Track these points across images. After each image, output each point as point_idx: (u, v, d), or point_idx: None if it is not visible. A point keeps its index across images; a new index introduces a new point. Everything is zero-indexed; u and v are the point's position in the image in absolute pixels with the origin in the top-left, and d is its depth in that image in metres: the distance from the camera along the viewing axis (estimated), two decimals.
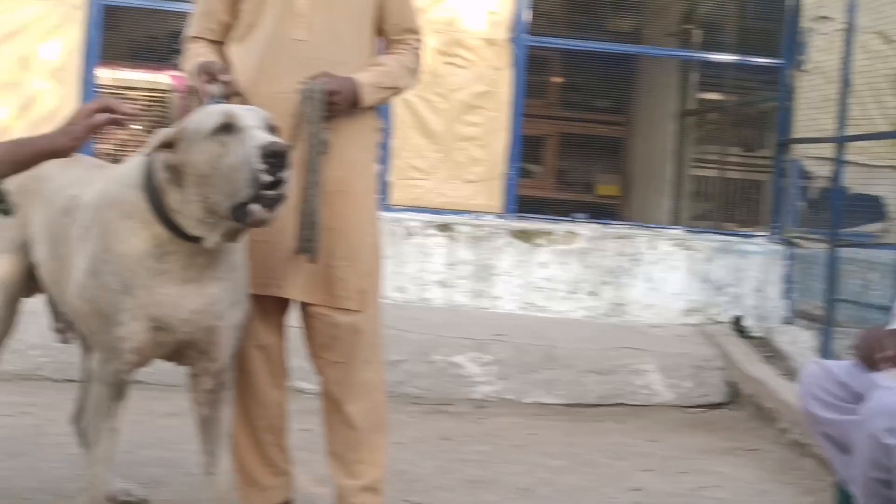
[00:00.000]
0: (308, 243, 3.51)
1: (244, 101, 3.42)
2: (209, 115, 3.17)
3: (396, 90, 3.71)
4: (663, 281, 8.14)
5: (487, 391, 6.66)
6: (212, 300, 3.28)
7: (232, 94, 3.47)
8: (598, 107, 11.41)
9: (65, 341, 4.12)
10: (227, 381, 3.49)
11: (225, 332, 3.37)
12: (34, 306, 6.43)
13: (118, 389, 3.39)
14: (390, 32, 3.76)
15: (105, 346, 3.32)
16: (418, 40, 3.79)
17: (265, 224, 3.10)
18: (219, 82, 3.45)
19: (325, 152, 3.52)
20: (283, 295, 3.65)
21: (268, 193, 3.01)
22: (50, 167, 3.16)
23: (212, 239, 3.17)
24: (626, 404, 6.76)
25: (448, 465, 5.10)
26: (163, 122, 9.21)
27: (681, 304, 8.14)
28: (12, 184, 3.82)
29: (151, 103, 9.37)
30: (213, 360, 3.41)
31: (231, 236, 3.19)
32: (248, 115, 3.15)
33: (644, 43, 10.73)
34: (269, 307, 3.67)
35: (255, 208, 3.03)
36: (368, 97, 3.59)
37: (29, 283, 3.91)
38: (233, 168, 3.05)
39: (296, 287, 3.62)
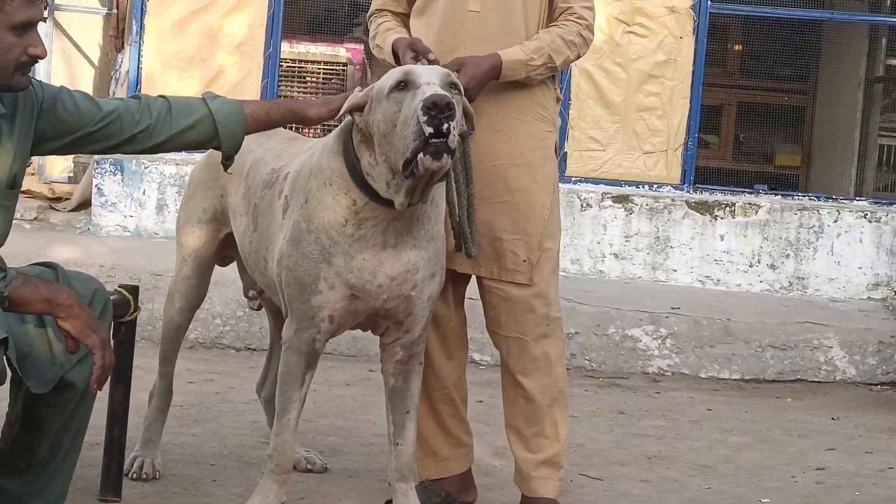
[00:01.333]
0: (460, 240, 3.47)
1: (465, 71, 3.45)
2: (391, 74, 3.22)
3: (551, 66, 3.59)
4: (847, 254, 7.91)
5: (663, 365, 6.58)
6: (408, 267, 3.31)
7: (451, 68, 3.46)
8: (780, 75, 11.12)
9: (257, 308, 4.21)
10: (419, 353, 3.52)
11: (420, 303, 3.40)
12: (217, 276, 6.61)
13: (310, 358, 3.44)
14: (558, 1, 3.69)
15: (302, 314, 3.37)
16: (587, 8, 3.67)
17: (436, 176, 3.11)
18: (424, 60, 3.46)
19: (469, 135, 3.44)
20: (452, 267, 3.65)
21: (434, 142, 3.03)
22: (246, 141, 3.26)
23: (398, 200, 3.20)
24: (807, 381, 6.60)
25: (624, 439, 5.05)
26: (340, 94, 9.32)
27: (866, 278, 7.91)
28: (209, 157, 3.94)
29: (329, 76, 9.49)
30: (407, 331, 3.44)
31: (413, 195, 3.19)
32: (425, 73, 3.18)
33: (831, 7, 10.40)
34: (446, 280, 3.68)
35: (421, 157, 3.04)
36: (512, 74, 3.54)
37: (219, 252, 4.01)
38: (404, 124, 3.10)
39: (466, 260, 3.62)
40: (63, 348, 2.84)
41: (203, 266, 4.02)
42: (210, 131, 3.17)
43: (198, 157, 7.83)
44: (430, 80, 3.13)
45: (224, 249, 4.02)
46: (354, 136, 3.28)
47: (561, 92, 3.81)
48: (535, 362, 3.65)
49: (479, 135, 3.51)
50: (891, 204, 8.34)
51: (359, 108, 3.26)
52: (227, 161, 3.24)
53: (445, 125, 3.02)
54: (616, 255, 7.86)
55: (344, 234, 3.28)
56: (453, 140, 3.06)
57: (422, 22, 3.68)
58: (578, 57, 3.68)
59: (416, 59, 3.45)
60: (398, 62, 3.52)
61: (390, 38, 3.64)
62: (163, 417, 4.08)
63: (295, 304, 3.39)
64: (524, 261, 3.62)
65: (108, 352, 2.76)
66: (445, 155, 3.05)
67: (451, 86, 3.19)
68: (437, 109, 3.01)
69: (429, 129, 3.01)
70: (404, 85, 3.15)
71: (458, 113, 3.14)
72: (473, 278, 3.73)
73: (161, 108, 3.14)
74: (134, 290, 3.56)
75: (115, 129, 3.09)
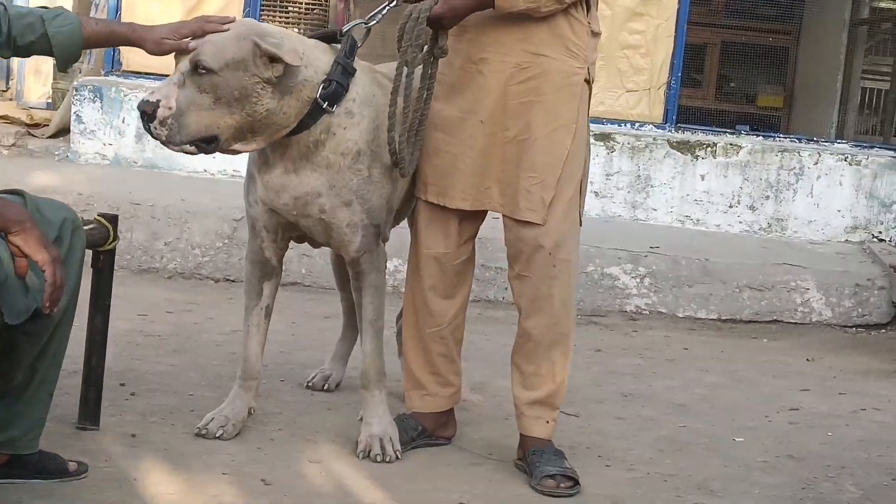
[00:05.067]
0: (393, 157, 3.57)
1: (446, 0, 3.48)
2: None
3: None
4: (827, 196, 7.94)
5: (641, 304, 6.61)
6: (308, 190, 3.57)
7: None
8: (765, 15, 11.07)
9: None
10: (365, 273, 3.67)
11: (338, 228, 3.61)
12: (197, 207, 6.60)
13: (264, 268, 3.77)
14: None
15: (249, 225, 3.77)
16: None
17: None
18: None
19: (440, 55, 3.57)
20: (448, 205, 3.65)
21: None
22: None
23: None
24: (783, 322, 6.63)
25: (601, 377, 5.08)
26: (323, 25, 9.25)
27: (844, 221, 7.94)
28: None
29: (312, 6, 9.41)
30: (340, 251, 3.71)
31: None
32: (183, 57, 3.42)
33: None
34: (451, 218, 3.69)
35: None
36: (508, 6, 3.48)
37: None
38: None
39: (483, 197, 3.62)
40: (39, 283, 2.81)
41: None
42: (46, 50, 3.33)
43: None
44: (182, 65, 3.40)
45: None
46: None
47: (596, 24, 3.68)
48: (537, 302, 3.64)
49: (504, 72, 3.57)
50: (871, 147, 8.36)
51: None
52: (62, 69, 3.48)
53: (149, 125, 3.36)
54: (597, 194, 7.85)
55: (259, 158, 3.64)
56: (158, 133, 3.36)
57: None
58: None
59: None
60: None
61: None
62: (347, 335, 4.45)
63: (246, 217, 3.79)
64: (538, 200, 3.58)
65: (58, 269, 2.75)
66: (171, 145, 3.39)
67: (197, 69, 3.38)
68: (139, 113, 3.38)
69: (143, 127, 3.41)
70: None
71: (193, 101, 3.36)
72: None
73: (5, 26, 3.24)
74: (113, 220, 3.54)
75: None
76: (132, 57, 7.91)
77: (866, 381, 5.42)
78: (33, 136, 8.56)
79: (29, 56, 3.42)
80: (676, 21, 8.07)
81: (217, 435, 3.67)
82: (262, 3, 8.39)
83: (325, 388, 4.35)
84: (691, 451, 4.09)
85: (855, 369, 5.67)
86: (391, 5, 3.60)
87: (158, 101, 3.34)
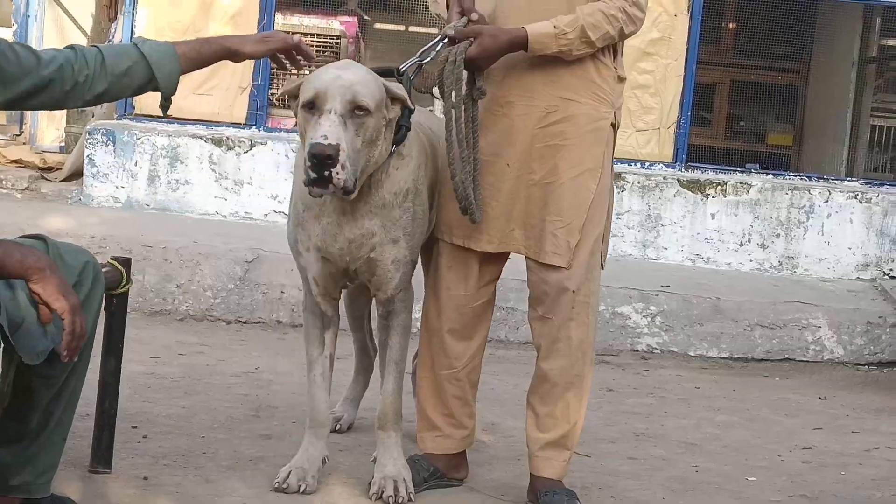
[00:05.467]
0: (462, 203, 3.55)
1: (480, 42, 3.49)
2: (309, 84, 3.35)
3: (586, 40, 3.50)
4: (837, 234, 7.94)
5: (652, 343, 6.61)
6: (363, 231, 3.51)
7: (468, 35, 3.50)
8: (774, 54, 11.09)
9: None
10: (397, 312, 3.68)
11: (384, 265, 3.57)
12: (208, 249, 6.62)
13: (321, 319, 3.72)
14: None
15: (302, 277, 3.70)
16: None
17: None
18: (465, 17, 3.54)
19: (479, 97, 3.56)
20: (474, 248, 3.67)
21: (313, 181, 3.26)
22: None
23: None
24: (795, 360, 6.63)
25: (612, 416, 5.08)
26: None
27: (855, 259, 7.94)
28: None
29: (323, 48, 9.47)
30: (378, 289, 3.64)
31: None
32: (331, 96, 3.29)
33: None
34: (473, 260, 3.70)
35: (310, 187, 3.30)
36: (541, 48, 3.52)
37: None
38: (304, 148, 3.33)
39: (506, 240, 3.64)
40: (56, 325, 2.82)
41: None
42: (146, 75, 3.21)
43: (189, 127, 7.84)
44: (332, 106, 3.28)
45: None
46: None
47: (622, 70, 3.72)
48: (555, 344, 3.64)
49: (531, 116, 3.60)
50: (881, 185, 8.37)
51: (293, 95, 3.45)
52: (166, 102, 3.31)
53: (326, 171, 3.22)
54: None
55: (311, 201, 3.51)
56: (339, 179, 3.23)
57: None
58: (623, 34, 3.59)
59: (461, 15, 3.56)
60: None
61: None
62: (360, 378, 4.49)
63: (299, 270, 3.69)
64: (564, 244, 3.58)
65: (78, 318, 2.73)
66: (331, 185, 3.25)
67: (355, 109, 3.30)
68: (317, 160, 3.21)
69: (312, 175, 3.24)
70: (311, 105, 3.32)
71: (352, 144, 3.28)
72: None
73: (96, 57, 3.15)
74: (126, 263, 3.57)
75: (59, 80, 3.07)
76: (144, 100, 7.96)
77: (879, 420, 5.41)
78: (46, 179, 8.61)
79: (128, 89, 3.25)
80: (686, 60, 8.11)
81: (300, 490, 3.61)
82: None
83: (336, 429, 4.35)
84: (704, 491, 4.08)
85: (867, 407, 5.66)
86: (443, 41, 3.59)
87: (339, 143, 3.23)
